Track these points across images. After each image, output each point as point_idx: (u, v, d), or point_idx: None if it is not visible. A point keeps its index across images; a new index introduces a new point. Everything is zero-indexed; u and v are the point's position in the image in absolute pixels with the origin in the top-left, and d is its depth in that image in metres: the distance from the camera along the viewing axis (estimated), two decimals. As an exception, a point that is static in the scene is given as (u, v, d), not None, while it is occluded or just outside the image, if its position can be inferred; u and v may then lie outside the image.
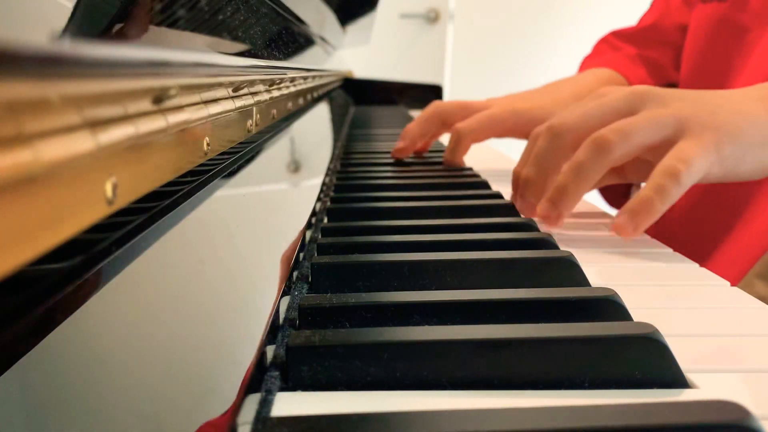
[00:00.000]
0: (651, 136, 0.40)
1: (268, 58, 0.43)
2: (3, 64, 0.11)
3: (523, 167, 0.46)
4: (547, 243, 0.35)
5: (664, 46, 0.79)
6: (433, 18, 2.49)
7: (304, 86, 0.67)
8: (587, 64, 0.84)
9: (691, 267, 0.36)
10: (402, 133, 0.67)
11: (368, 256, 0.32)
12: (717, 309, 0.29)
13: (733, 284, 0.33)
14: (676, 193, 0.38)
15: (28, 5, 0.16)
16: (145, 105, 0.19)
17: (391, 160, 0.67)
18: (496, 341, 0.22)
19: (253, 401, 0.19)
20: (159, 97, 0.20)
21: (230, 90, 0.31)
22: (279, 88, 0.47)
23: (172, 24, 0.25)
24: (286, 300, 0.27)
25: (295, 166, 0.54)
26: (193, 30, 0.28)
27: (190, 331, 0.21)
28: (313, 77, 0.77)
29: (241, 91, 0.34)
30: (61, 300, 0.16)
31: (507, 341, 0.22)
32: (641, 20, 0.84)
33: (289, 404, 0.20)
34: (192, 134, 0.25)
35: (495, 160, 0.76)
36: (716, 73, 0.69)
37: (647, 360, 0.22)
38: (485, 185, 0.53)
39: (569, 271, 0.31)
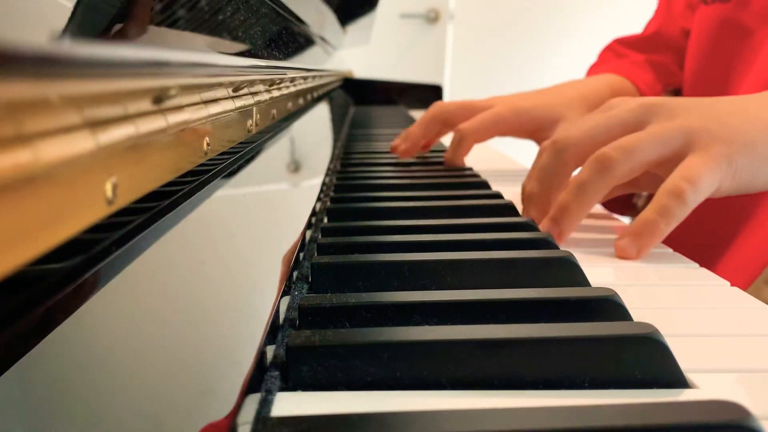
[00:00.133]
0: (656, 152, 0.39)
1: (268, 58, 0.43)
2: (3, 64, 0.11)
3: (528, 182, 0.45)
4: (547, 243, 0.35)
5: (669, 51, 0.78)
6: (433, 18, 2.49)
7: (304, 86, 0.67)
8: (593, 72, 0.83)
9: (691, 267, 0.36)
10: (404, 135, 0.66)
11: (368, 256, 0.32)
12: (717, 309, 0.29)
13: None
14: (681, 214, 0.37)
15: (28, 5, 0.16)
16: (145, 105, 0.19)
17: (391, 160, 0.67)
18: (496, 341, 0.22)
19: (253, 401, 0.19)
20: (159, 97, 0.20)
21: (230, 90, 0.31)
22: (279, 88, 0.47)
23: (172, 24, 0.25)
24: (286, 300, 0.27)
25: (295, 166, 0.54)
26: (193, 30, 0.28)
27: (190, 331, 0.21)
28: (313, 77, 0.77)
29: (241, 91, 0.34)
30: (61, 300, 0.16)
31: (507, 341, 0.22)
32: (646, 28, 0.83)
33: (289, 404, 0.20)
34: (192, 134, 0.25)
35: (495, 160, 0.76)
36: (720, 74, 0.68)
37: (647, 360, 0.22)
38: (485, 185, 0.53)
39: (569, 271, 0.30)
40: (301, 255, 0.34)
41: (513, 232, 0.37)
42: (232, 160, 0.35)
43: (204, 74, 0.27)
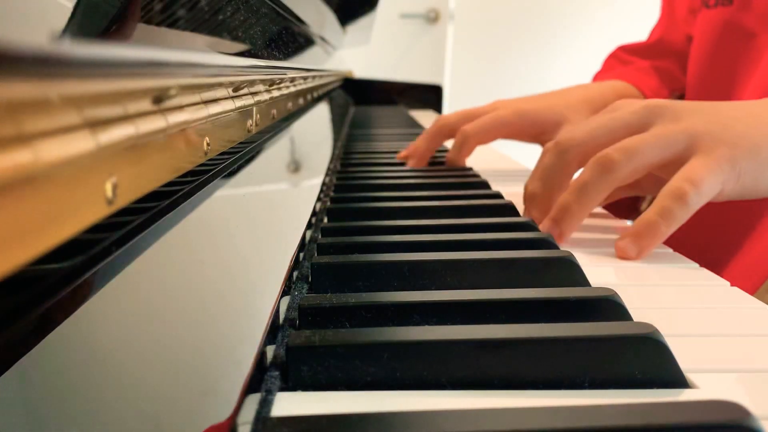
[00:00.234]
0: (658, 155, 0.39)
1: (268, 58, 0.43)
2: (3, 64, 0.11)
3: (530, 182, 0.45)
4: (547, 243, 0.35)
5: (674, 57, 0.78)
6: (433, 18, 2.49)
7: (304, 86, 0.67)
8: (597, 79, 0.82)
9: (691, 267, 0.36)
10: (410, 150, 0.66)
11: (368, 256, 0.32)
12: (717, 309, 0.29)
13: None
14: (682, 216, 0.37)
15: (28, 5, 0.16)
16: (145, 105, 0.19)
17: (391, 160, 0.67)
18: (496, 341, 0.22)
19: (253, 401, 0.19)
20: (159, 97, 0.20)
21: (230, 90, 0.31)
22: (279, 88, 0.47)
23: (172, 24, 0.25)
24: (286, 300, 0.27)
25: (295, 166, 0.54)
26: (193, 30, 0.28)
27: (190, 331, 0.21)
28: (313, 77, 0.77)
29: (241, 91, 0.34)
30: (61, 300, 0.16)
31: (507, 341, 0.22)
32: (650, 35, 0.82)
33: (289, 404, 0.20)
34: (192, 134, 0.25)
35: (495, 160, 0.76)
36: (722, 78, 0.68)
37: (647, 360, 0.22)
38: (485, 185, 0.53)
39: (569, 270, 0.30)
40: (301, 255, 0.34)
41: (513, 232, 0.37)
42: (232, 160, 0.35)
43: (204, 74, 0.27)
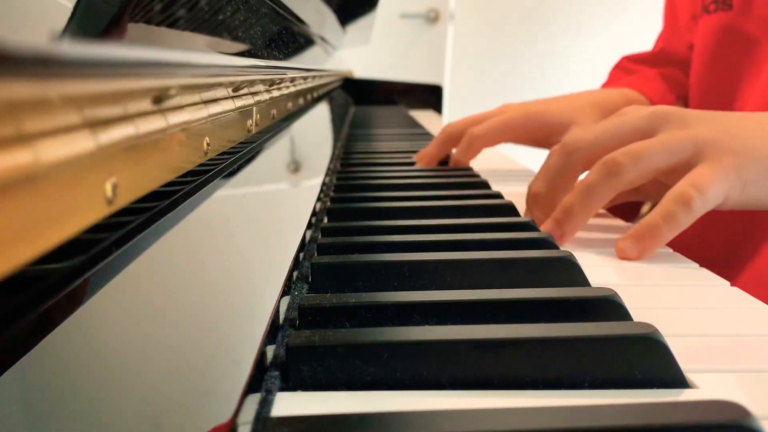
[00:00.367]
0: (665, 160, 0.39)
1: (268, 58, 0.43)
2: (3, 64, 0.11)
3: (534, 182, 0.45)
4: (547, 243, 0.35)
5: (679, 65, 0.77)
6: (433, 18, 2.49)
7: (304, 86, 0.67)
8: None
9: (691, 267, 0.36)
10: (419, 155, 0.66)
11: (368, 256, 0.32)
12: (717, 309, 0.29)
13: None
14: (686, 221, 0.37)
15: (28, 5, 0.16)
16: (145, 105, 0.19)
17: (390, 160, 0.67)
18: (496, 341, 0.22)
19: (253, 401, 0.19)
20: (159, 97, 0.20)
21: (230, 90, 0.31)
22: (279, 88, 0.47)
23: (172, 24, 0.25)
24: (286, 300, 0.27)
25: (295, 166, 0.54)
26: (193, 30, 0.28)
27: (190, 331, 0.21)
28: (313, 77, 0.77)
29: (241, 91, 0.34)
30: (61, 300, 0.16)
31: (507, 341, 0.22)
32: (655, 44, 0.82)
33: (289, 404, 0.20)
34: (192, 134, 0.25)
35: (495, 160, 0.76)
36: (725, 84, 0.67)
37: (647, 360, 0.22)
38: (485, 185, 0.53)
39: (569, 271, 0.30)
40: (301, 255, 0.34)
41: (513, 232, 0.37)
42: (232, 160, 0.35)
43: (204, 74, 0.27)
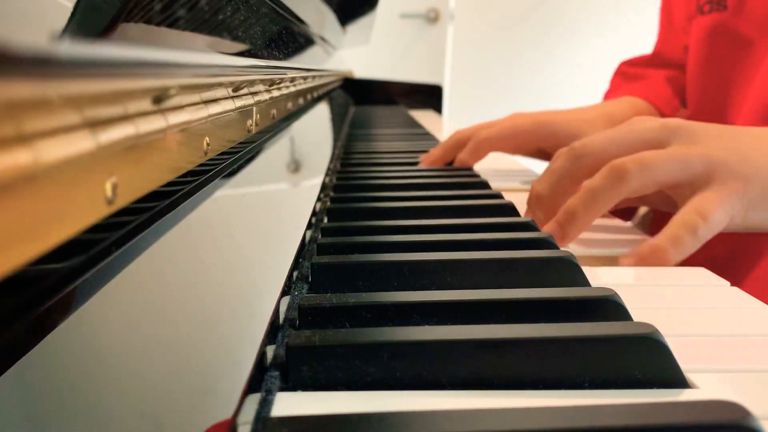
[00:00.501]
0: (672, 174, 0.39)
1: (268, 58, 0.43)
2: (3, 64, 0.11)
3: (538, 183, 0.45)
4: (547, 243, 0.35)
5: (677, 67, 0.77)
6: (433, 18, 2.49)
7: (304, 86, 0.67)
8: (608, 98, 0.81)
9: (691, 267, 0.36)
10: (424, 157, 0.66)
11: (368, 256, 0.32)
12: (717, 309, 0.29)
13: None
14: (692, 247, 0.37)
15: (28, 5, 0.16)
16: (145, 105, 0.19)
17: (391, 160, 0.67)
18: (496, 341, 0.22)
19: (253, 401, 0.19)
20: (159, 97, 0.20)
21: (230, 90, 0.31)
22: (279, 88, 0.47)
23: (172, 24, 0.25)
24: (286, 300, 0.27)
25: (295, 166, 0.54)
26: (193, 30, 0.28)
27: (190, 330, 0.21)
28: (313, 77, 0.77)
29: (241, 91, 0.34)
30: (61, 300, 0.16)
31: (507, 341, 0.22)
32: (654, 48, 0.82)
33: (289, 404, 0.20)
34: (192, 134, 0.25)
35: (495, 160, 0.76)
36: (720, 86, 0.67)
37: (647, 360, 0.22)
38: (485, 185, 0.53)
39: (569, 271, 0.30)
40: (301, 255, 0.34)
41: (513, 232, 0.37)
42: (232, 160, 0.35)
43: (204, 74, 0.27)
